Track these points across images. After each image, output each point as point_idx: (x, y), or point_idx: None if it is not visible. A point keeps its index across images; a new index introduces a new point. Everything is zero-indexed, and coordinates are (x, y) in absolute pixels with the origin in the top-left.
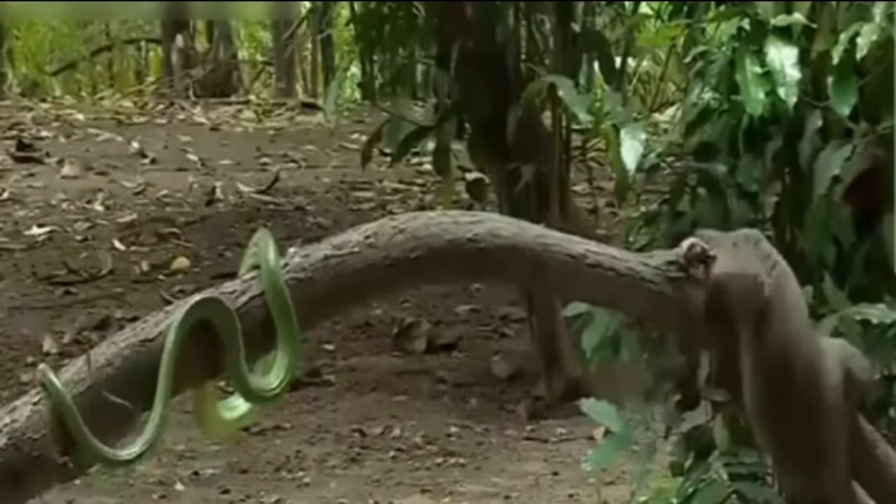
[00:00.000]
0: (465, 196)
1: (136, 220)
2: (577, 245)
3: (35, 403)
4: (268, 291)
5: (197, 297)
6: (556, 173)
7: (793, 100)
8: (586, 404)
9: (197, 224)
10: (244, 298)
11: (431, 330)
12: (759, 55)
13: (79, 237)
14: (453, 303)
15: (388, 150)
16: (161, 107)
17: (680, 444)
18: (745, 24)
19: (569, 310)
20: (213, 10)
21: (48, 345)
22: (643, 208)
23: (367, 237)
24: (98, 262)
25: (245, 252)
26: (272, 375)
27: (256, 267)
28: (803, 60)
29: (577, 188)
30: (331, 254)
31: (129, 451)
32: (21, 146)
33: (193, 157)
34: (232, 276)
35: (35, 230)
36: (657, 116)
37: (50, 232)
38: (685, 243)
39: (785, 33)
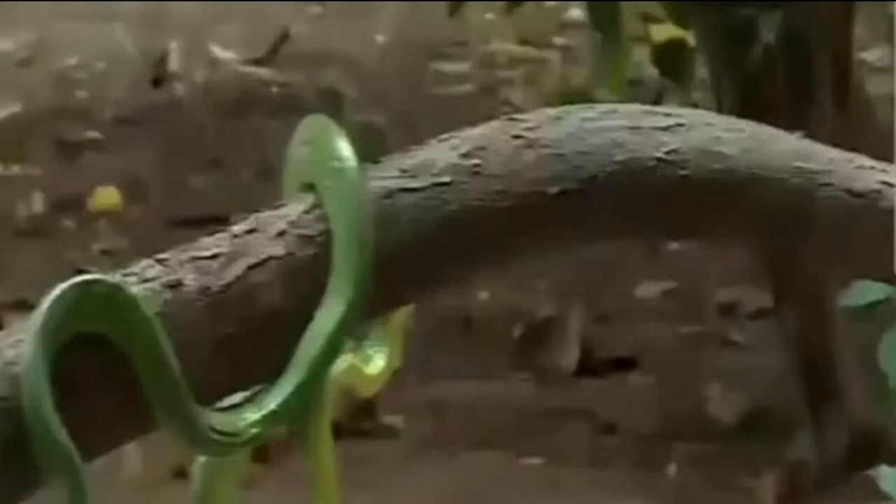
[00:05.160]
0: (650, 73)
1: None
2: (871, 173)
3: None
4: (349, 219)
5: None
6: (831, 27)
7: None
8: (888, 475)
9: (135, 124)
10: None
11: (587, 332)
12: None
13: None
14: (628, 281)
15: None
16: None
17: None
18: None
19: (851, 295)
20: None
21: None
22: None
23: (466, 155)
24: None
25: (288, 154)
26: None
27: (310, 186)
28: None
29: (868, 56)
30: (398, 186)
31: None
32: None
33: None
34: (201, 222)
35: None
36: None
37: None
38: None
39: None
